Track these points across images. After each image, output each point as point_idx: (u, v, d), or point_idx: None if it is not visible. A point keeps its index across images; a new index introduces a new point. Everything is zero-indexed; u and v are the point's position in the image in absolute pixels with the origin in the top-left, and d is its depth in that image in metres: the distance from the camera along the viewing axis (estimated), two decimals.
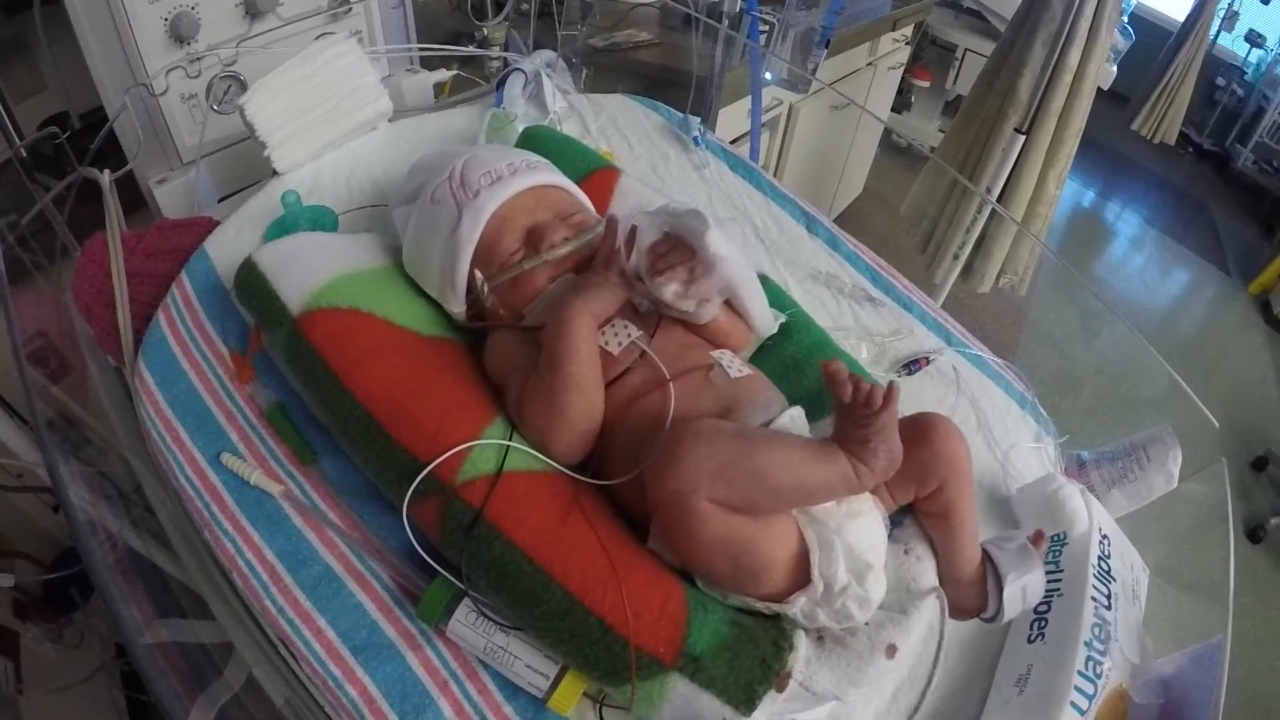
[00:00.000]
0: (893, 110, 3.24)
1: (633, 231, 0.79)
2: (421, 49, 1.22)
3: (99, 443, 0.96)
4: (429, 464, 0.68)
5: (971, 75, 2.81)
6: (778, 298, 0.96)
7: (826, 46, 1.57)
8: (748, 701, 0.63)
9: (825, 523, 0.67)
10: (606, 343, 0.77)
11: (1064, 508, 0.89)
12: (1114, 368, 2.43)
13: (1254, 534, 2.44)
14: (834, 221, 1.17)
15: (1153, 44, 3.86)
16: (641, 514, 0.72)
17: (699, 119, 1.21)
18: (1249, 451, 2.69)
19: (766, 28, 1.67)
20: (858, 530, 0.68)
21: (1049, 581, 0.83)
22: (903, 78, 3.08)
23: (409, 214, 0.85)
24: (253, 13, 1.07)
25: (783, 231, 1.14)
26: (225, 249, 0.91)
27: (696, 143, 1.19)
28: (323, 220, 0.94)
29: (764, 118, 2.07)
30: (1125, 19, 3.37)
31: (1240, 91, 4.56)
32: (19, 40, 1.22)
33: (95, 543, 0.74)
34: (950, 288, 2.29)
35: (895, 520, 0.77)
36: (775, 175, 2.35)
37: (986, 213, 2.21)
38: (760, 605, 0.67)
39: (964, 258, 2.28)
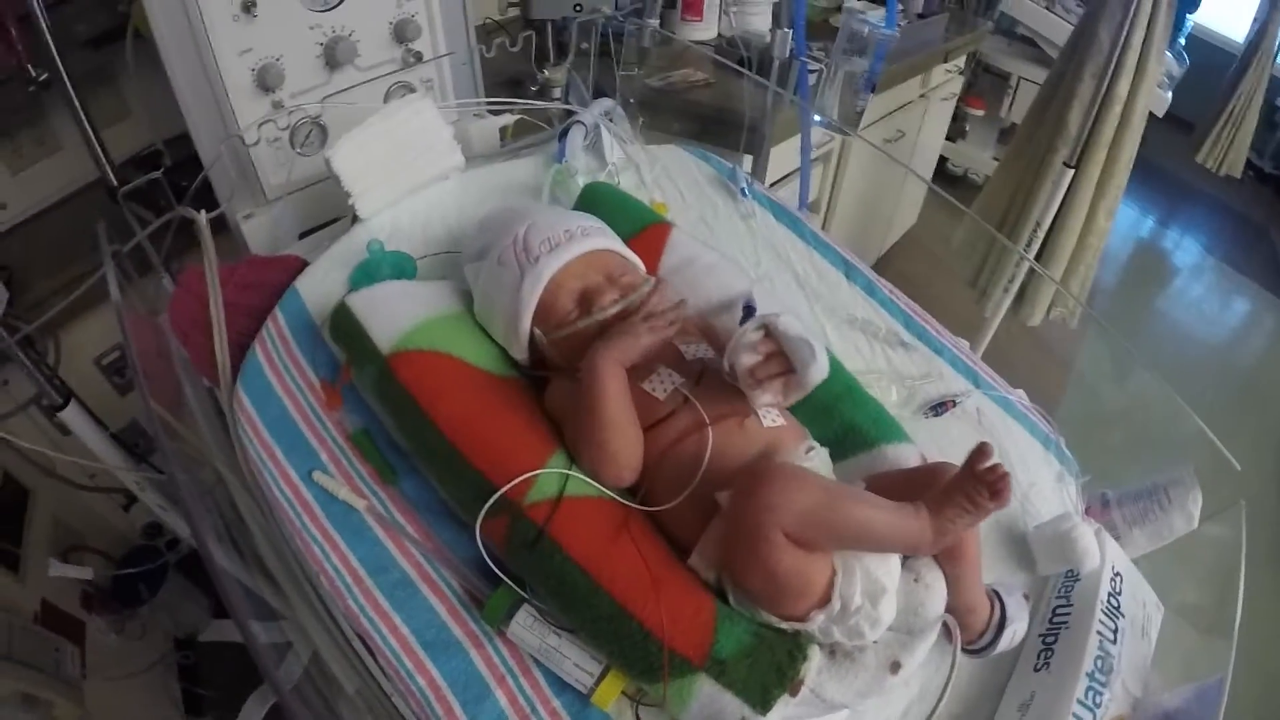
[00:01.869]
0: (948, 139, 3.34)
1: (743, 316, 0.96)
2: (488, 103, 1.39)
3: (191, 453, 1.12)
4: (502, 488, 0.84)
5: (1025, 102, 2.89)
6: None
7: (873, 90, 1.70)
8: (764, 703, 0.75)
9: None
10: (653, 389, 0.93)
11: (1075, 546, 0.96)
12: (1145, 409, 2.49)
13: None
14: (888, 255, 1.29)
15: (1213, 66, 3.90)
16: (682, 538, 0.87)
17: (747, 171, 1.35)
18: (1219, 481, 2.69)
19: (815, 69, 1.81)
20: (877, 557, 0.81)
21: (1059, 615, 0.94)
22: (958, 107, 3.19)
23: (479, 270, 1.02)
24: (332, 65, 1.24)
25: (822, 279, 1.27)
26: (315, 288, 1.07)
27: (744, 193, 1.32)
28: (403, 266, 1.10)
29: (815, 153, 2.20)
30: (1183, 41, 3.41)
31: None
32: (105, 70, 1.42)
33: (213, 542, 0.89)
34: (1000, 322, 2.36)
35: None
36: (828, 208, 2.50)
37: (1036, 247, 2.29)
38: (784, 623, 0.80)
39: (1014, 291, 2.35)
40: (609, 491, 0.88)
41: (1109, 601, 0.92)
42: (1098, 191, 2.31)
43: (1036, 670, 0.90)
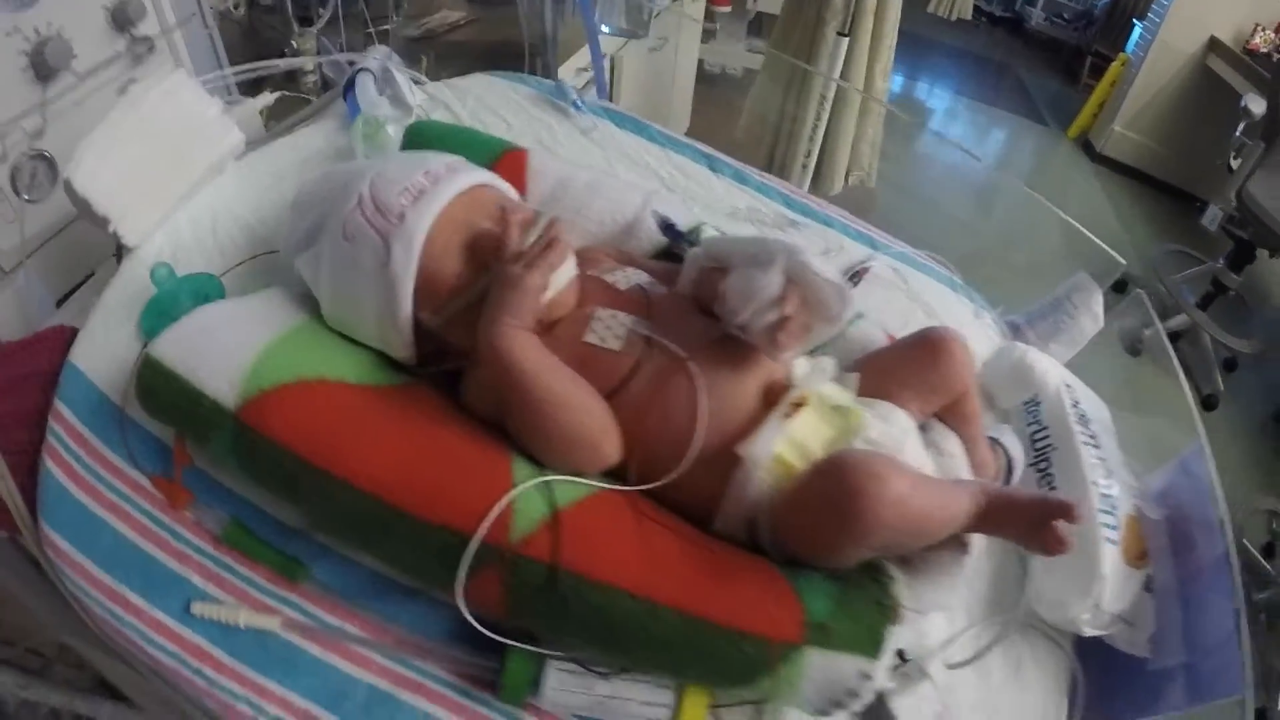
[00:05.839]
0: (701, 42, 3.23)
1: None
2: (243, 70, 1.05)
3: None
4: (472, 533, 0.58)
5: None
6: None
7: None
8: (876, 646, 0.62)
9: (886, 445, 0.69)
10: (602, 339, 0.69)
11: (1033, 371, 0.93)
12: (1008, 233, 2.56)
13: (1133, 349, 2.66)
14: None
15: None
16: (695, 503, 0.68)
17: (570, 85, 1.12)
18: (1108, 277, 2.92)
19: None
20: (912, 446, 0.71)
21: (1040, 441, 0.90)
22: (707, 8, 3.08)
23: (318, 258, 0.71)
24: (43, 74, 0.87)
25: (690, 177, 1.10)
26: (97, 356, 0.74)
27: (577, 107, 1.10)
28: (206, 289, 0.78)
29: (586, 77, 2.03)
30: None
31: None
32: None
33: None
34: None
35: (923, 426, 0.79)
36: None
37: (825, 119, 2.26)
38: None
39: (811, 166, 2.33)
40: (601, 484, 0.64)
41: (1075, 411, 0.90)
42: (871, 55, 2.31)
43: None
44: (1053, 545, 0.63)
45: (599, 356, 0.68)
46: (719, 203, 1.08)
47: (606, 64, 2.13)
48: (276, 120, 1.17)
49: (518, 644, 0.60)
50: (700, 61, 3.20)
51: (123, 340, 0.75)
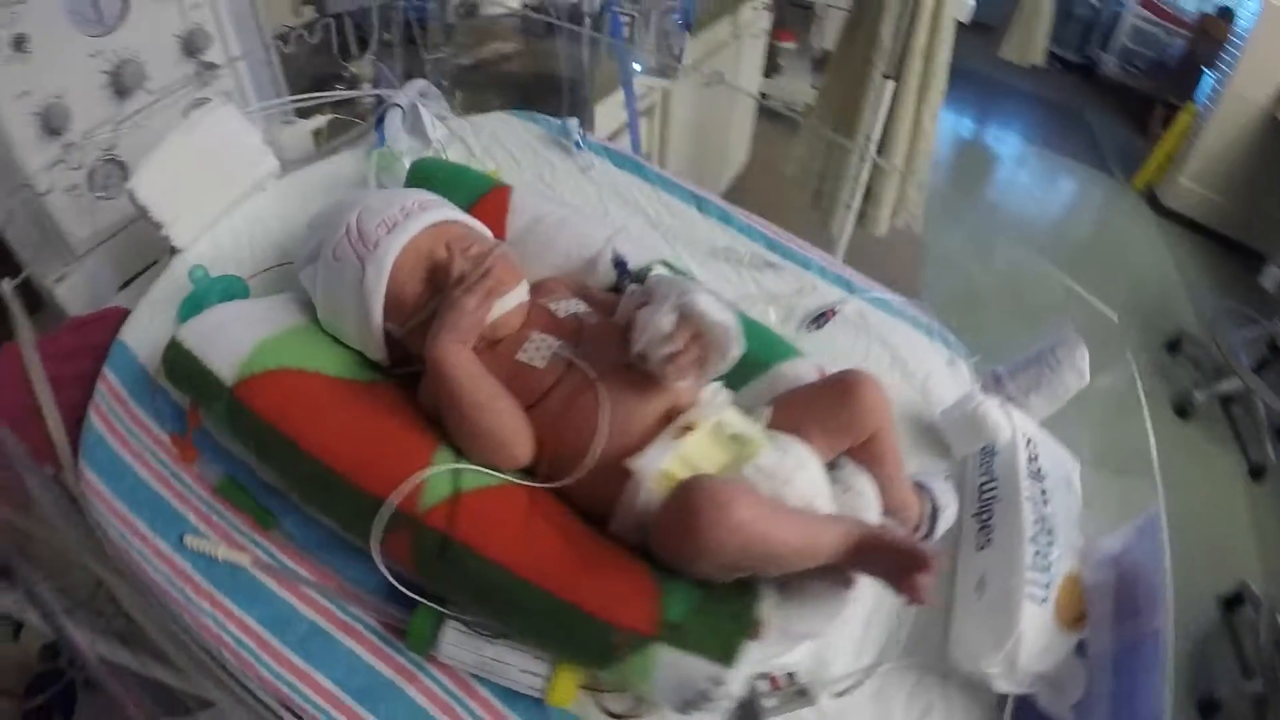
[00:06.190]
0: (765, 76, 3.32)
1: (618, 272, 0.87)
2: (293, 101, 1.23)
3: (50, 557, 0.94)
4: (390, 501, 0.72)
5: (833, 29, 2.90)
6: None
7: (688, 29, 1.63)
8: (727, 655, 0.68)
9: (776, 475, 0.75)
10: (530, 358, 0.82)
11: (986, 422, 0.95)
12: (1014, 283, 2.57)
13: (1182, 410, 2.58)
14: (726, 194, 1.23)
15: None
16: (597, 507, 0.78)
17: (577, 122, 1.25)
18: (1162, 336, 2.85)
19: (629, 19, 1.73)
20: (805, 479, 0.77)
21: (987, 492, 0.92)
22: (770, 43, 3.16)
23: (315, 272, 0.88)
24: (121, 91, 1.06)
25: (675, 216, 1.20)
26: (142, 336, 0.92)
27: (579, 146, 1.23)
28: (233, 289, 0.96)
29: (640, 106, 2.14)
30: None
31: (1096, 2, 4.80)
32: None
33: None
34: (849, 238, 2.36)
35: (835, 464, 0.85)
36: (660, 161, 2.42)
37: (869, 161, 2.29)
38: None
39: (855, 207, 2.34)
40: (506, 475, 0.77)
41: (1030, 467, 0.91)
42: (919, 98, 2.31)
43: (980, 549, 0.88)
44: (911, 594, 0.69)
45: (526, 372, 0.82)
46: (701, 241, 1.18)
47: (658, 99, 2.27)
48: (335, 136, 1.34)
49: (423, 600, 0.73)
50: (764, 96, 3.28)
51: (163, 325, 0.93)
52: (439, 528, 0.71)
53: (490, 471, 0.77)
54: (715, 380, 0.84)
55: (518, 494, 0.77)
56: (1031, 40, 3.75)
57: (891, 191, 2.47)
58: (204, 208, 0.99)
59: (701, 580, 0.72)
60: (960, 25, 2.38)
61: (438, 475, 0.74)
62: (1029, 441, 0.95)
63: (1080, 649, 0.81)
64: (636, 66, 1.68)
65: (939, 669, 0.82)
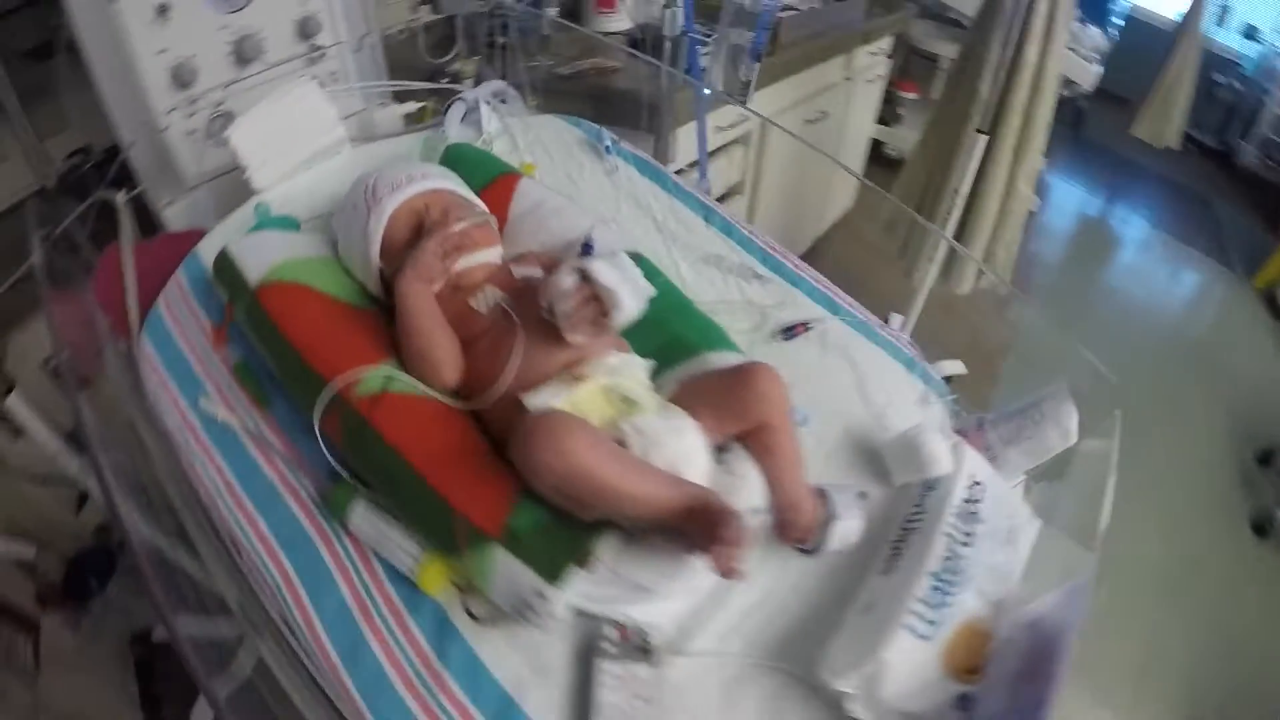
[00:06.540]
0: (882, 123, 3.36)
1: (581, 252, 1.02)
2: (381, 85, 1.48)
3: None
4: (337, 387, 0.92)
5: None
6: (649, 272, 1.12)
7: (759, 60, 1.75)
8: (553, 574, 0.79)
9: (647, 435, 0.86)
10: (477, 304, 1.01)
11: (921, 451, 0.98)
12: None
13: (1260, 528, 2.45)
14: (827, 234, 1.31)
15: (1150, 45, 3.91)
16: (500, 433, 0.93)
17: (609, 132, 1.43)
18: (1256, 445, 2.71)
19: (709, 47, 1.86)
20: (677, 446, 0.86)
21: (911, 522, 0.94)
22: (890, 91, 3.21)
23: (341, 218, 1.11)
24: (241, 60, 1.34)
25: (680, 222, 1.34)
26: (210, 251, 1.15)
27: (608, 151, 1.40)
28: (285, 225, 1.19)
29: (734, 134, 2.26)
30: (1120, 21, 3.43)
31: (1239, 87, 4.59)
32: (44, 86, 1.51)
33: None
34: (929, 290, 2.32)
35: (725, 447, 0.94)
36: (752, 191, 2.51)
37: (956, 216, 2.28)
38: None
39: (938, 259, 2.34)
40: (429, 390, 0.95)
41: (965, 506, 0.92)
42: (1016, 158, 2.29)
43: (882, 574, 0.90)
44: (716, 562, 0.74)
45: (471, 315, 1.00)
46: (698, 247, 1.31)
47: (755, 129, 2.39)
48: (423, 121, 1.56)
49: (345, 475, 0.92)
50: (881, 144, 3.32)
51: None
52: (362, 412, 0.90)
53: (417, 383, 0.95)
54: (646, 358, 0.98)
55: (436, 407, 0.94)
56: (1167, 121, 3.60)
57: (978, 250, 2.44)
58: (281, 161, 1.24)
59: (556, 508, 0.82)
60: (1091, 95, 2.36)
61: (374, 374, 0.93)
62: (977, 484, 0.96)
63: (964, 703, 0.78)
64: (705, 90, 1.82)
65: (808, 681, 0.83)
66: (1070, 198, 4.30)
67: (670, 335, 1.07)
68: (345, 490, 0.91)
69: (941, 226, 2.31)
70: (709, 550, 0.75)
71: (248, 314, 1.02)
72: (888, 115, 3.39)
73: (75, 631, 1.55)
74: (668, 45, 1.77)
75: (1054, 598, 0.84)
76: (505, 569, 0.80)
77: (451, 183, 1.12)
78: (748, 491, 0.89)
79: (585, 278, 0.91)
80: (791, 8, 2.36)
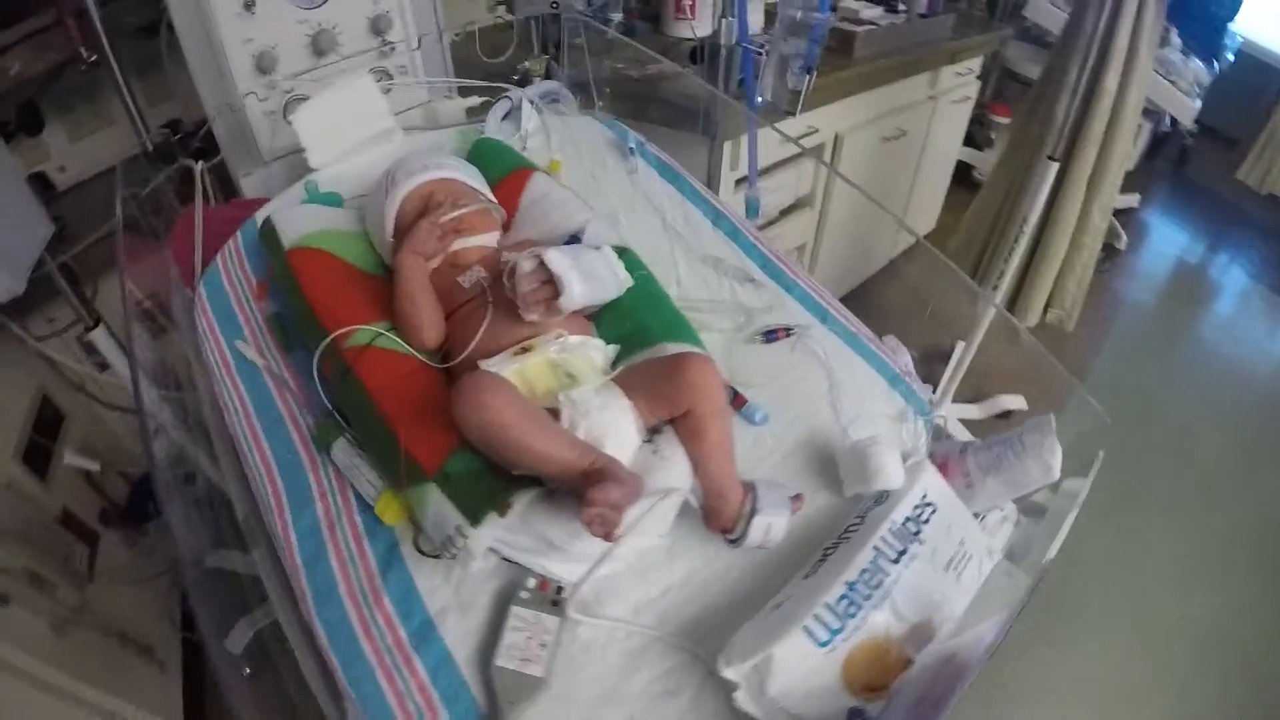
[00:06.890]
0: (975, 147, 3.30)
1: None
2: (429, 82, 1.65)
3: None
4: (341, 340, 1.08)
5: None
6: (634, 266, 1.22)
7: (809, 72, 1.78)
8: (475, 517, 0.88)
9: (578, 408, 0.96)
10: (463, 280, 1.15)
11: (869, 463, 1.00)
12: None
13: None
14: (900, 256, 1.32)
15: (1264, 83, 3.68)
16: None
17: (637, 135, 1.54)
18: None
19: (761, 55, 1.87)
20: (605, 420, 0.95)
21: (848, 531, 0.95)
22: (981, 113, 3.14)
23: (370, 198, 1.28)
24: (318, 52, 1.53)
25: (688, 223, 1.44)
26: (263, 217, 1.35)
27: (632, 152, 1.52)
28: (329, 201, 1.38)
29: (808, 144, 2.30)
30: (1230, 55, 3.21)
31: None
32: (153, 60, 1.72)
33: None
34: (992, 318, 2.24)
35: (659, 430, 1.01)
36: (823, 205, 2.55)
37: (1024, 243, 2.21)
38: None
39: (1004, 288, 2.31)
40: (410, 350, 1.09)
41: (905, 525, 0.92)
42: (1091, 188, 2.26)
43: (805, 577, 0.91)
44: (584, 514, 0.81)
45: (456, 289, 1.15)
46: (699, 248, 1.40)
47: (828, 141, 2.43)
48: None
49: (333, 411, 1.07)
50: (971, 168, 3.25)
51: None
52: (348, 360, 1.06)
53: (400, 343, 1.10)
54: (611, 343, 1.10)
55: (411, 363, 1.09)
56: (1274, 165, 3.35)
57: (1046, 282, 2.42)
58: (335, 144, 1.43)
59: (490, 461, 0.92)
60: (1198, 133, 2.25)
61: (365, 330, 1.09)
62: (927, 505, 0.95)
63: (855, 717, 0.79)
64: (759, 99, 1.88)
65: (708, 666, 0.85)
66: (1167, 239, 4.09)
67: (636, 324, 1.16)
68: (332, 426, 1.07)
69: (1009, 253, 2.24)
70: (583, 504, 0.81)
71: (282, 273, 1.21)
72: (979, 138, 3.32)
73: (131, 549, 1.74)
74: (722, 54, 1.85)
75: (977, 631, 0.84)
76: (436, 506, 0.91)
77: (463, 173, 1.27)
78: (668, 473, 0.95)
79: (542, 263, 1.03)
80: (871, 23, 2.39)
